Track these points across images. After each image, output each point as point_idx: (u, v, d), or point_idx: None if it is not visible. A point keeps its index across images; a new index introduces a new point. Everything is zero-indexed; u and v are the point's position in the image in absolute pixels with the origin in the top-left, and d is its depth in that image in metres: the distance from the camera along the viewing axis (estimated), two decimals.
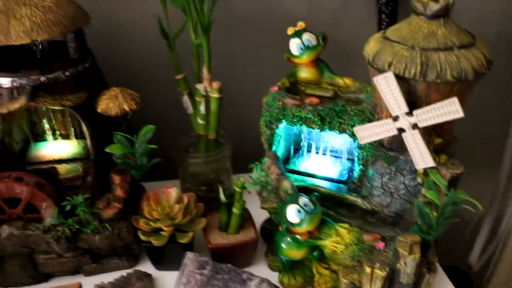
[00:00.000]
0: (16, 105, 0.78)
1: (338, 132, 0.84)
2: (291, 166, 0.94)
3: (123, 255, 0.91)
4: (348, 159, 0.93)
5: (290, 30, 0.88)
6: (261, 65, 1.11)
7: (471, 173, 0.92)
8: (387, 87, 0.72)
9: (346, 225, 0.81)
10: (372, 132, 0.78)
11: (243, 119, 1.09)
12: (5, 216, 0.85)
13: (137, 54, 1.07)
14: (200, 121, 0.95)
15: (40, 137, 0.94)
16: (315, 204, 0.81)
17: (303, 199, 0.81)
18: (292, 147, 0.95)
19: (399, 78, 0.72)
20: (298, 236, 0.82)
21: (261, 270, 0.91)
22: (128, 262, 0.92)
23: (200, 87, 0.92)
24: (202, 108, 0.93)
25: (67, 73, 0.81)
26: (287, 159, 0.94)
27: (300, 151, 0.95)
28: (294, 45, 0.88)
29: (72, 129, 0.95)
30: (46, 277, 0.90)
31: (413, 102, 0.74)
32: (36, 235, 0.83)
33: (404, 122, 0.74)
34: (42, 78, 0.79)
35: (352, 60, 1.13)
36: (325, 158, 0.94)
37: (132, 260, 0.92)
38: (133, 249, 0.92)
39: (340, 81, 0.89)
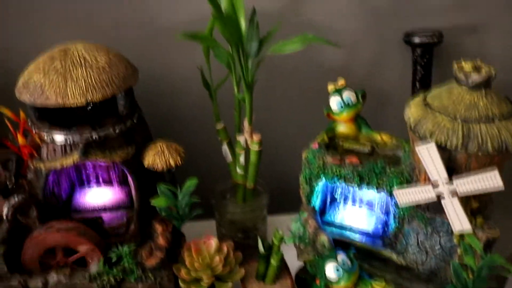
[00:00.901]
0: (69, 161, 0.82)
1: (375, 190, 0.86)
2: (327, 218, 0.96)
3: None
4: (382, 212, 0.95)
5: (331, 88, 0.90)
6: (299, 118, 1.14)
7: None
8: (429, 156, 0.75)
9: (382, 283, 0.83)
10: (412, 197, 0.80)
11: (279, 167, 1.12)
12: (53, 262, 0.88)
13: (178, 103, 1.11)
14: (239, 171, 0.98)
15: (84, 183, 0.98)
16: (353, 261, 0.84)
17: (342, 257, 0.83)
18: (328, 198, 0.97)
19: (440, 148, 0.74)
20: None
21: None
22: None
23: (240, 139, 0.95)
24: (242, 159, 0.96)
25: (116, 130, 0.84)
26: (323, 211, 0.97)
27: (336, 202, 0.97)
28: (334, 102, 0.90)
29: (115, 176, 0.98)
30: None
31: (452, 168, 0.77)
32: (82, 284, 0.87)
33: (444, 189, 0.76)
34: (94, 136, 0.82)
35: (387, 109, 1.16)
36: (360, 210, 0.96)
37: None
38: None
39: (377, 137, 0.92)
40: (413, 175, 0.84)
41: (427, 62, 1.08)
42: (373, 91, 1.04)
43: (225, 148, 0.99)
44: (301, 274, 0.98)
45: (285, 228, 0.92)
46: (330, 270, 0.83)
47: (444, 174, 0.75)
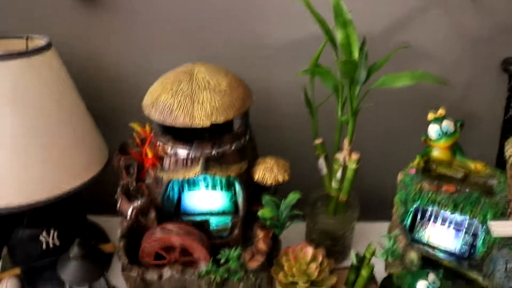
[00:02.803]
0: (191, 174, 0.90)
1: (468, 217, 0.92)
2: (415, 236, 1.02)
3: None
4: (469, 233, 1.01)
5: (431, 116, 0.95)
6: (395, 139, 1.19)
7: None
8: None
9: None
10: (508, 229, 0.85)
11: (370, 180, 1.18)
12: (166, 260, 0.99)
13: (277, 117, 1.18)
14: (334, 185, 1.05)
15: (191, 186, 1.07)
16: (442, 281, 0.91)
17: (432, 277, 0.90)
18: (418, 217, 1.03)
19: None
20: None
21: None
22: None
23: (339, 156, 1.02)
24: (338, 175, 1.03)
25: (233, 147, 0.92)
26: (411, 228, 1.03)
27: (425, 220, 1.03)
28: (433, 130, 0.95)
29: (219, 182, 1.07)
30: None
31: None
32: (192, 280, 0.97)
33: None
34: (213, 152, 0.91)
35: (474, 134, 1.20)
36: (448, 231, 1.02)
37: None
38: None
39: (471, 165, 0.96)
40: (508, 207, 0.89)
41: None
42: (462, 115, 1.08)
43: (321, 161, 1.06)
44: (385, 284, 1.06)
45: (371, 236, 1.00)
46: None
47: None
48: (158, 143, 0.93)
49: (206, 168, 0.89)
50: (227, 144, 0.92)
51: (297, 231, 1.16)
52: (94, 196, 1.24)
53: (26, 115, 0.90)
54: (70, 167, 0.96)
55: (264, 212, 0.95)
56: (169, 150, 0.92)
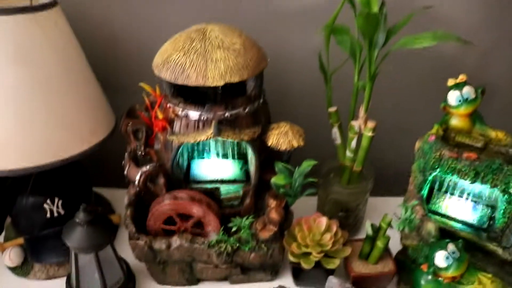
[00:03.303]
0: (203, 137, 0.87)
1: (489, 186, 0.89)
2: (431, 207, 0.99)
3: (268, 269, 1.01)
4: (488, 205, 0.98)
5: (451, 82, 0.92)
6: (411, 110, 1.16)
7: None
8: None
9: (490, 275, 0.87)
10: None
11: (384, 153, 1.15)
12: (176, 227, 0.95)
13: (290, 83, 1.14)
14: (348, 154, 1.02)
15: (201, 154, 1.03)
16: (461, 252, 0.88)
17: (451, 247, 0.87)
18: (435, 188, 1.00)
19: None
20: (440, 279, 0.89)
21: None
22: (271, 276, 1.02)
23: (355, 124, 0.98)
24: (353, 143, 1.00)
25: (246, 110, 0.89)
26: (427, 198, 1.00)
27: (442, 192, 1.00)
28: (454, 96, 0.92)
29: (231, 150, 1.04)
30: (198, 281, 1.02)
31: None
32: (201, 249, 0.94)
33: None
34: (226, 114, 0.87)
35: (493, 102, 1.17)
36: (466, 203, 0.99)
37: (274, 274, 1.02)
38: (277, 266, 1.01)
39: (492, 133, 0.93)
40: None
41: None
42: (481, 84, 1.05)
43: (335, 130, 1.03)
44: (400, 256, 1.03)
45: (384, 211, 0.96)
46: (440, 258, 0.87)
47: None
48: (168, 105, 0.90)
49: (218, 131, 0.86)
50: (240, 106, 0.88)
51: (309, 204, 1.14)
52: (99, 168, 1.21)
53: (29, 72, 0.86)
54: (75, 130, 0.92)
55: (277, 179, 0.92)
56: (180, 112, 0.88)
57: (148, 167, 0.91)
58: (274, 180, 0.92)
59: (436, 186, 1.00)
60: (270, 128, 0.93)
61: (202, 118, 0.87)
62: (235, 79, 0.84)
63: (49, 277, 1.02)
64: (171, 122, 0.90)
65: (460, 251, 0.88)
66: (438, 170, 0.91)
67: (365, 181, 1.04)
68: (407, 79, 1.16)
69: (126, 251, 0.99)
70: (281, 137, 0.91)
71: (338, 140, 1.04)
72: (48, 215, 1.01)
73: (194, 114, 0.87)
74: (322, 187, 1.06)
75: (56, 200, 1.01)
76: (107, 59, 1.16)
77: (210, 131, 0.86)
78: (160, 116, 0.88)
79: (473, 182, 0.90)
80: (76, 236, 0.88)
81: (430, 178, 0.93)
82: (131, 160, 0.93)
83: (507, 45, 1.11)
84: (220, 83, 0.83)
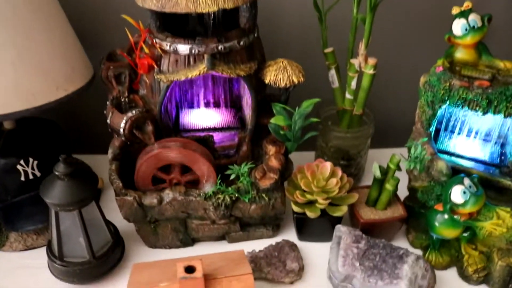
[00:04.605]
0: (195, 72, 0.79)
1: (503, 116, 0.83)
2: (439, 146, 0.94)
3: (269, 224, 0.93)
4: (496, 143, 0.93)
5: (456, 10, 0.86)
6: (411, 44, 1.10)
7: None
8: None
9: (508, 209, 0.82)
10: None
11: (386, 97, 1.09)
12: (168, 178, 0.86)
13: (286, 25, 1.07)
14: (348, 96, 0.95)
15: (190, 104, 0.95)
16: (477, 186, 0.82)
17: (468, 181, 0.82)
18: (442, 127, 0.94)
19: None
20: (457, 216, 0.83)
21: (403, 246, 0.92)
22: (272, 232, 0.94)
23: (355, 62, 0.92)
24: (353, 83, 0.93)
25: (241, 43, 0.81)
26: (435, 139, 0.94)
27: (449, 131, 0.95)
28: (459, 25, 0.86)
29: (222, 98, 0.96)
30: (193, 241, 0.93)
31: None
32: (197, 201, 0.85)
33: None
34: (220, 47, 0.79)
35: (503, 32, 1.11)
36: (475, 141, 0.93)
37: (276, 229, 0.94)
38: (279, 219, 0.93)
39: (500, 64, 0.88)
40: None
41: None
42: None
43: (332, 73, 0.96)
44: (409, 201, 0.96)
45: (385, 161, 0.90)
46: (457, 193, 0.81)
47: None
48: (154, 40, 0.81)
49: (212, 65, 0.78)
50: (234, 39, 0.80)
51: (307, 159, 1.06)
52: (79, 134, 1.12)
53: None
54: (49, 74, 0.83)
55: (276, 119, 0.85)
56: (167, 47, 0.80)
57: (134, 112, 0.82)
58: (273, 120, 0.84)
59: (443, 126, 0.94)
60: (267, 65, 0.86)
61: (193, 52, 0.79)
62: (229, 4, 0.76)
63: (27, 247, 0.91)
64: (158, 60, 0.81)
65: (476, 185, 0.82)
66: (448, 101, 0.85)
67: (366, 125, 0.98)
68: (405, 20, 1.10)
69: (112, 217, 0.90)
70: (280, 72, 0.83)
71: (336, 83, 0.97)
72: (23, 177, 0.91)
73: (184, 48, 0.79)
74: (321, 135, 0.99)
75: (31, 160, 0.91)
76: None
77: (203, 66, 0.78)
78: (146, 50, 0.79)
79: (485, 113, 0.84)
80: (56, 192, 0.78)
81: (439, 111, 0.87)
82: (114, 107, 0.84)
83: None
84: (214, 8, 0.75)
